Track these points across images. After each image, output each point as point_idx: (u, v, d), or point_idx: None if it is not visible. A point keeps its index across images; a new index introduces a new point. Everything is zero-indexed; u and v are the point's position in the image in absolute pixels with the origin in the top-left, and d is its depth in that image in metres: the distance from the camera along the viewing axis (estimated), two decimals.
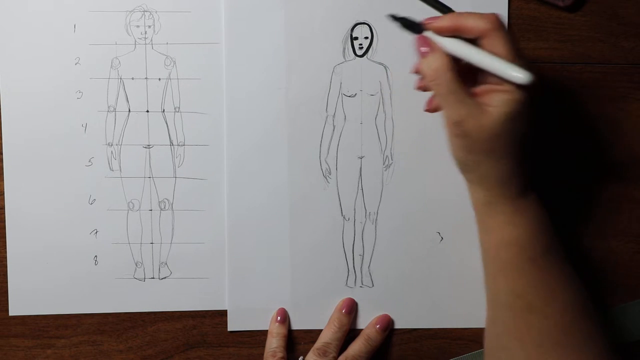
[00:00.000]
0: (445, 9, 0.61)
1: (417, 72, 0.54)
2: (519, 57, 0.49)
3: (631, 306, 0.64)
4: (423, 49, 0.52)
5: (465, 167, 0.54)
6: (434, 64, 0.51)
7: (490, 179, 0.53)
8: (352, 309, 0.63)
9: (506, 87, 0.49)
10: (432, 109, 0.55)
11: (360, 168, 0.62)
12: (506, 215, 0.53)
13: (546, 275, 0.53)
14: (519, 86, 0.48)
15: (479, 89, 0.51)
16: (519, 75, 0.48)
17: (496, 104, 0.50)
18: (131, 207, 0.62)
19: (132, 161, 0.62)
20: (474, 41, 0.50)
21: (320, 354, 0.61)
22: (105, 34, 0.61)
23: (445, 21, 0.51)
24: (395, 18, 0.54)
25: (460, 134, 0.51)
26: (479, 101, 0.50)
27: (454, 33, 0.51)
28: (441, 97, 0.51)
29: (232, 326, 0.63)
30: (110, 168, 0.62)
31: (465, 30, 0.51)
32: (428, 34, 0.52)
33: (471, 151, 0.52)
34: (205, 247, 0.63)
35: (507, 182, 0.52)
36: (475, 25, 0.50)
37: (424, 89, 0.55)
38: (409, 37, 0.61)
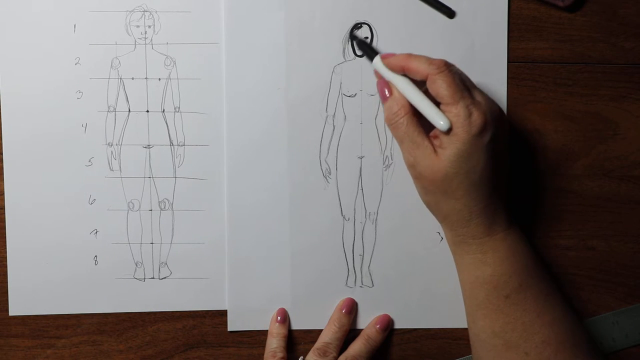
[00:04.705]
0: (445, 9, 0.61)
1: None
2: (463, 98, 0.52)
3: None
4: (384, 93, 0.55)
5: (429, 208, 0.57)
6: (394, 108, 0.54)
7: (451, 219, 0.55)
8: (352, 309, 0.63)
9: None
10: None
11: (360, 168, 0.62)
12: (475, 255, 0.55)
13: (522, 311, 0.54)
14: (449, 130, 0.52)
15: (434, 131, 0.54)
16: (440, 122, 0.52)
17: (444, 146, 0.52)
18: (131, 207, 0.62)
19: (132, 161, 0.62)
20: (422, 82, 0.54)
21: (321, 354, 0.61)
22: (105, 34, 0.61)
23: (397, 60, 0.55)
24: (354, 37, 0.60)
25: (417, 176, 0.55)
26: (434, 143, 0.53)
27: (403, 72, 0.55)
28: (398, 139, 0.55)
29: (232, 326, 0.63)
30: (110, 168, 0.62)
31: (411, 71, 0.54)
32: (379, 63, 0.56)
33: (429, 192, 0.55)
34: (205, 247, 0.63)
35: (467, 222, 0.54)
36: (419, 67, 0.53)
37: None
38: (408, 38, 0.61)
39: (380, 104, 0.62)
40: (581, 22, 0.62)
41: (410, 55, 0.55)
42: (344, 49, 0.61)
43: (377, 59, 0.56)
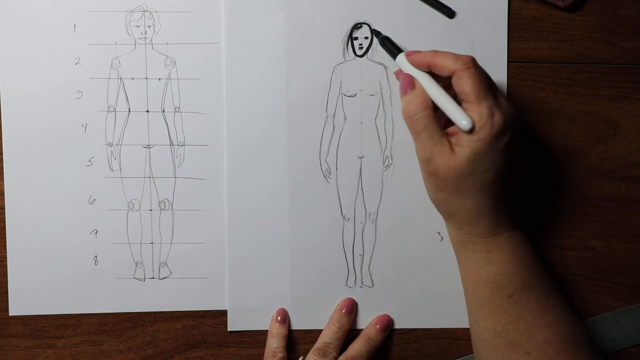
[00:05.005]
0: (445, 9, 0.61)
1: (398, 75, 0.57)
2: (487, 98, 0.52)
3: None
4: (405, 86, 0.55)
5: (437, 205, 0.57)
6: (414, 102, 0.54)
7: (460, 218, 0.55)
8: (352, 309, 0.63)
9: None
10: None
11: (360, 168, 0.62)
12: (480, 254, 0.55)
13: (525, 311, 0.54)
14: (471, 130, 0.51)
15: (451, 128, 0.54)
16: (462, 122, 0.51)
17: (462, 144, 0.52)
18: (131, 207, 0.62)
19: (132, 161, 0.62)
20: (447, 79, 0.53)
21: (321, 354, 0.61)
22: (105, 34, 0.61)
23: (422, 56, 0.54)
24: (377, 34, 0.59)
25: (431, 172, 0.54)
26: (450, 141, 0.53)
27: (428, 69, 0.54)
28: (415, 133, 0.54)
29: (232, 326, 0.63)
30: (110, 168, 0.62)
31: (437, 67, 0.54)
32: (402, 60, 0.55)
33: (440, 189, 0.54)
34: (205, 247, 0.63)
35: (476, 221, 0.54)
36: (446, 64, 0.53)
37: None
38: (408, 38, 0.61)
39: (380, 104, 0.62)
40: (581, 22, 0.62)
41: (436, 52, 0.54)
42: (344, 49, 0.61)
43: (401, 55, 0.56)
